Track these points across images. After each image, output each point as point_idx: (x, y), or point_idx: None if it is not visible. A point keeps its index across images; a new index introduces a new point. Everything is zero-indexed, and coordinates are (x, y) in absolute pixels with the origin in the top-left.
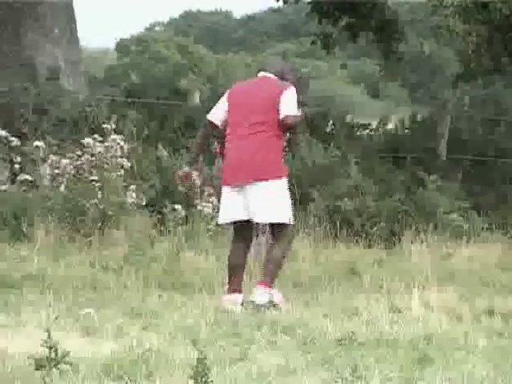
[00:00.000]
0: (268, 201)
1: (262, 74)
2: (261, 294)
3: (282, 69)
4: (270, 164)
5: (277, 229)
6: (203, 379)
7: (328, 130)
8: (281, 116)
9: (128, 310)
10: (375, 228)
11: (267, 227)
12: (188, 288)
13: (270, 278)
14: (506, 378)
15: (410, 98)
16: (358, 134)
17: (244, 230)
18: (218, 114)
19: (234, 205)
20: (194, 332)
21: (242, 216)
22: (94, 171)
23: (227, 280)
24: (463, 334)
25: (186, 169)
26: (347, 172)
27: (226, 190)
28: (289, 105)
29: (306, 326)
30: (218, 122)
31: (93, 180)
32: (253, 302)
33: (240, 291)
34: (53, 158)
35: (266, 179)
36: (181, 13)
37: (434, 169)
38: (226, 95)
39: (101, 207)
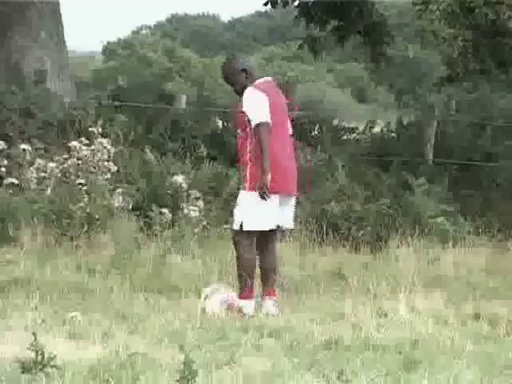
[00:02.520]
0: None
1: (268, 78)
2: (274, 306)
3: None
4: None
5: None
6: (190, 383)
7: (315, 133)
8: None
9: (114, 314)
10: (362, 232)
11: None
12: (174, 292)
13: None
14: (493, 382)
15: (397, 102)
16: (345, 137)
17: (264, 236)
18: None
19: (276, 212)
20: (181, 336)
21: (278, 222)
22: (81, 175)
23: (245, 284)
24: (449, 339)
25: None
26: (334, 176)
27: (274, 197)
28: None
29: (293, 330)
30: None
31: (79, 183)
32: (268, 314)
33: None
34: (39, 161)
35: None
36: (168, 16)
37: (421, 173)
38: (263, 95)
39: (87, 211)
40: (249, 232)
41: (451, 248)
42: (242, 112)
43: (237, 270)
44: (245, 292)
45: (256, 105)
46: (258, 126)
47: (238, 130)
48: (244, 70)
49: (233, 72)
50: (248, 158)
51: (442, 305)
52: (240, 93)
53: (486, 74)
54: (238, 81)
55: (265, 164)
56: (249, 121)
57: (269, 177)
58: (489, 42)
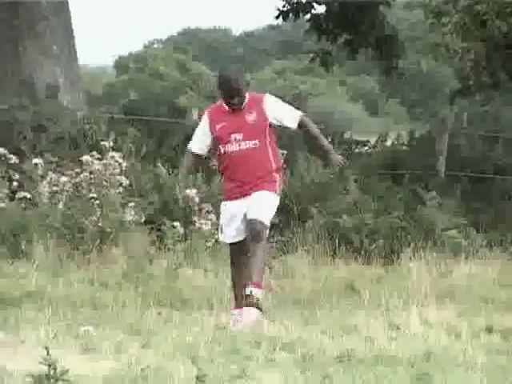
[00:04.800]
0: None
1: None
2: None
3: None
4: None
5: None
6: None
7: None
8: None
9: (127, 328)
10: (374, 245)
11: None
12: (187, 305)
13: None
14: None
15: (409, 115)
16: (357, 150)
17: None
18: None
19: None
20: (193, 349)
21: None
22: (93, 188)
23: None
24: (462, 351)
25: None
26: (346, 189)
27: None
28: None
29: (305, 343)
30: None
31: (91, 197)
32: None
33: None
34: (51, 175)
35: None
36: (179, 30)
37: (433, 186)
38: None
39: (99, 224)
40: None
41: (464, 261)
42: (263, 120)
43: (258, 261)
44: (263, 281)
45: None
46: (304, 117)
47: (253, 141)
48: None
49: (243, 83)
50: (274, 165)
51: (454, 318)
52: (240, 103)
53: (499, 86)
54: (244, 91)
55: (326, 143)
56: (269, 126)
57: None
58: (501, 55)
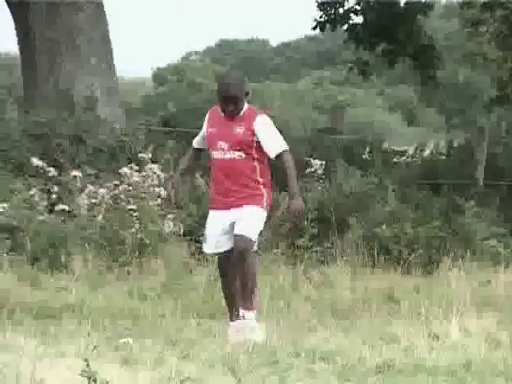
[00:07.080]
0: None
1: None
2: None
3: None
4: None
5: None
6: None
7: (365, 157)
8: None
9: (166, 339)
10: (413, 255)
11: None
12: (226, 316)
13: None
14: None
15: (447, 124)
16: (395, 160)
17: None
18: None
19: None
20: (233, 360)
21: None
22: (132, 200)
23: (255, 295)
24: (502, 361)
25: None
26: (384, 199)
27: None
28: None
29: (345, 354)
30: None
31: (130, 209)
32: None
33: None
34: (90, 187)
35: None
36: (217, 41)
37: (472, 195)
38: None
39: (138, 236)
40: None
41: (503, 269)
42: (250, 132)
43: (246, 281)
44: (254, 302)
45: (277, 131)
46: (285, 152)
47: (238, 153)
48: (247, 93)
49: (243, 91)
50: (261, 179)
51: (494, 326)
52: (237, 113)
53: None
54: (243, 102)
55: (293, 186)
56: (257, 142)
57: (300, 201)
58: None
